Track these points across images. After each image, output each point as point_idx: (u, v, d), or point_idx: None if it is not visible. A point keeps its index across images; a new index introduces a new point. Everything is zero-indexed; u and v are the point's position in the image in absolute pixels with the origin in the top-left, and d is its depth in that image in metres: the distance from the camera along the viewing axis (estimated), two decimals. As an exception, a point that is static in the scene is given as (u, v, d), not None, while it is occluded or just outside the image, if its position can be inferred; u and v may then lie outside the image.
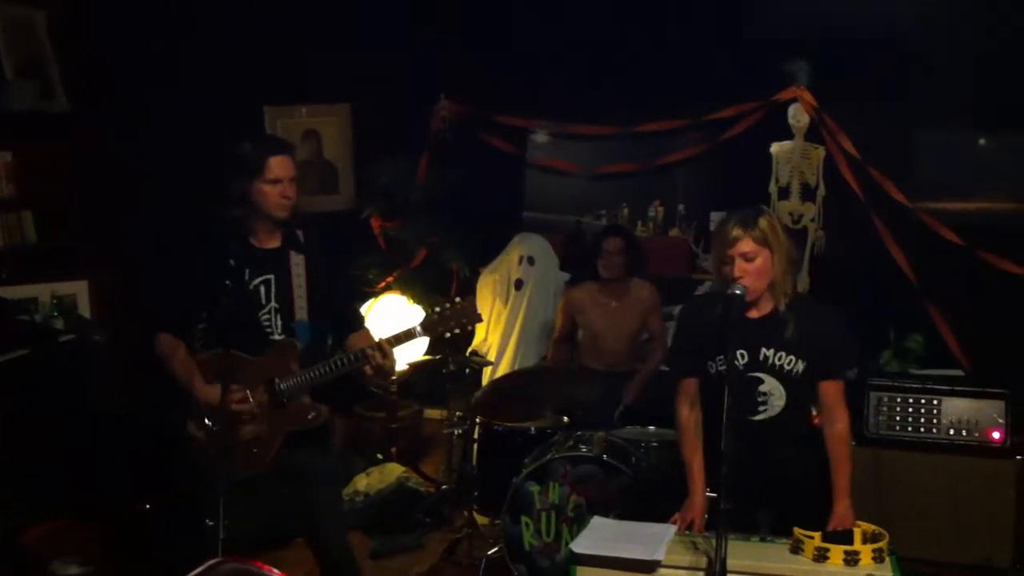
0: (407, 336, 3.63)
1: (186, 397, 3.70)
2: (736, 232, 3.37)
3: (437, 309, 3.63)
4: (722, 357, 3.43)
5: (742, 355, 3.48)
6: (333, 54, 6.74)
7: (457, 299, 3.65)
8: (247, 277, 3.66)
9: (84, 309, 6.23)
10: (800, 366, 3.47)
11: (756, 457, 3.42)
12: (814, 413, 3.69)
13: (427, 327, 3.62)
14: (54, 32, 6.31)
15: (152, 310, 3.91)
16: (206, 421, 3.65)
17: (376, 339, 3.68)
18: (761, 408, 3.52)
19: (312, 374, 3.62)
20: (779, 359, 3.48)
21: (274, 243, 3.73)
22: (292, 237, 3.76)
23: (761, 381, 3.50)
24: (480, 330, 6.38)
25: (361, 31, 6.71)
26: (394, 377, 6.01)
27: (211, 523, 3.41)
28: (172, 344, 3.72)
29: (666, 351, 5.53)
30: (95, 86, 6.36)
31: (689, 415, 3.63)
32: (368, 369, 3.61)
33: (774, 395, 3.50)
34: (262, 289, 3.68)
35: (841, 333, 3.58)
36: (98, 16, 6.30)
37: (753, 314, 3.48)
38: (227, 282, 3.51)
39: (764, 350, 3.48)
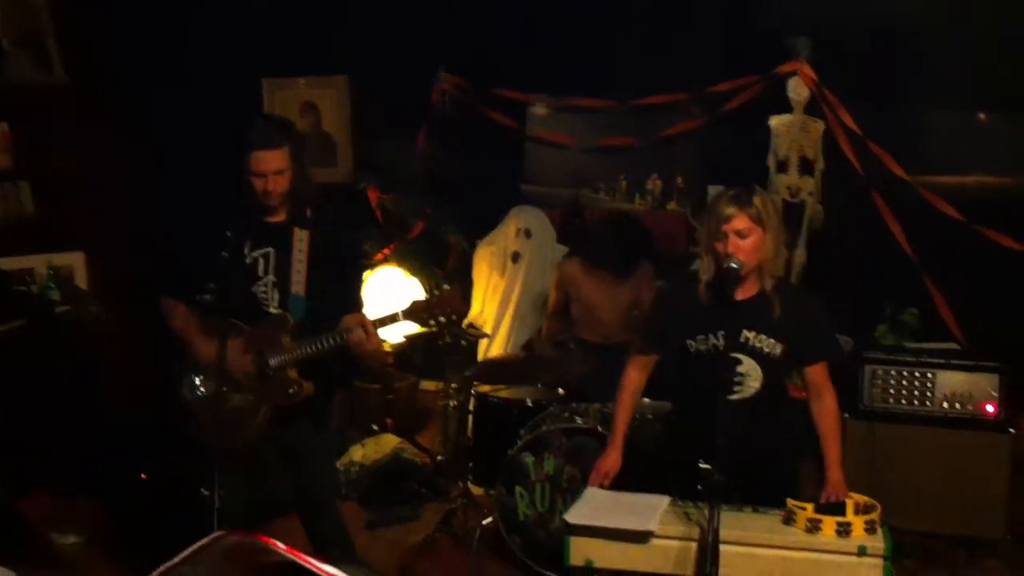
0: (390, 320, 3.62)
1: (179, 363, 3.71)
2: (731, 210, 3.40)
3: (424, 297, 3.63)
4: (703, 336, 3.52)
5: (723, 335, 3.50)
6: (332, 26, 6.70)
7: (446, 286, 3.66)
8: (247, 250, 3.67)
9: (80, 280, 6.25)
10: (778, 349, 3.52)
11: (730, 436, 3.45)
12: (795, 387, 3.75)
13: (410, 313, 3.60)
14: (51, 3, 6.28)
15: (153, 276, 3.93)
16: (197, 382, 3.67)
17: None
18: (736, 388, 3.54)
19: (300, 350, 3.62)
20: (759, 341, 3.52)
21: (279, 218, 3.73)
22: (299, 214, 3.74)
23: (739, 362, 3.53)
24: (476, 302, 6.38)
25: (360, 2, 6.66)
26: (390, 356, 6.03)
27: (207, 493, 3.44)
28: (172, 304, 3.75)
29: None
30: (92, 57, 6.33)
31: (636, 377, 3.77)
32: (352, 346, 3.58)
33: (750, 376, 3.54)
34: (260, 262, 3.70)
35: (824, 320, 3.66)
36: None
37: (738, 295, 3.50)
38: (223, 253, 3.51)
39: (746, 331, 3.52)
